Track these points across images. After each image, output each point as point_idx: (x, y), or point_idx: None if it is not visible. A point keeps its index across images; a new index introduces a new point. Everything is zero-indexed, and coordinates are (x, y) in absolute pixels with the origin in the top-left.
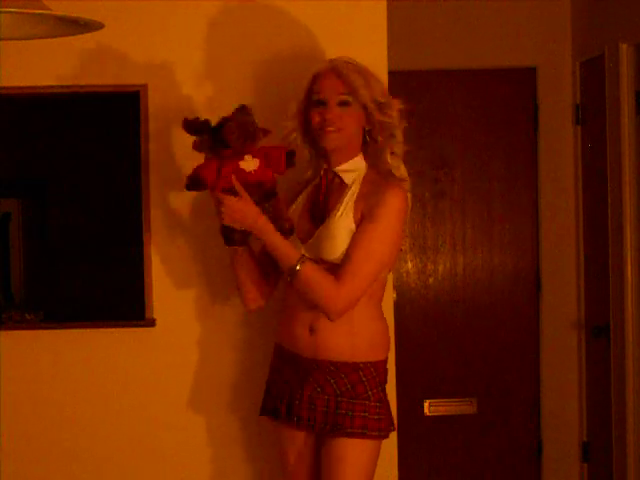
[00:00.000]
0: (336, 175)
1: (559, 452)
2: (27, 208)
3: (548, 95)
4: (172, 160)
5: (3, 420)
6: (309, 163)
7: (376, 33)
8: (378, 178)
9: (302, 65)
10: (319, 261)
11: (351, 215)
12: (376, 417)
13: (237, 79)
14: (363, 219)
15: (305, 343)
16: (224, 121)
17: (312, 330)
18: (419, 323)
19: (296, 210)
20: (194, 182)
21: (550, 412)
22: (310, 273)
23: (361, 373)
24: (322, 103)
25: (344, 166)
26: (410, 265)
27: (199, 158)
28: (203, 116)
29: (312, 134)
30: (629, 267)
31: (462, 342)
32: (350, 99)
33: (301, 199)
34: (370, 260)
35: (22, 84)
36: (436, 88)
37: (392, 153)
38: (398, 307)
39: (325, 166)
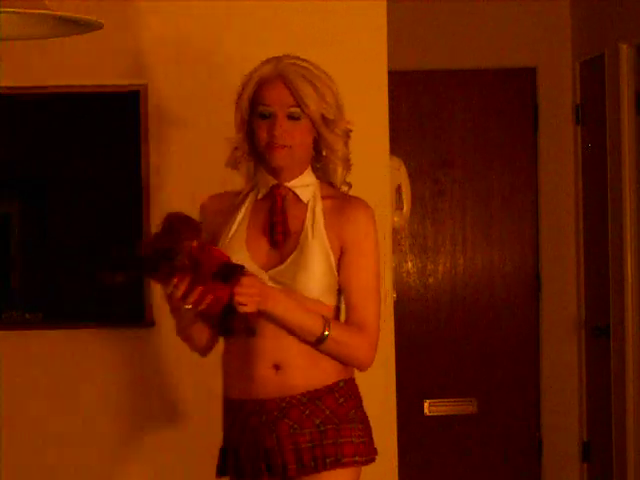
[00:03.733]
0: (289, 191)
1: (559, 452)
2: (27, 208)
3: (548, 95)
4: (172, 160)
5: (3, 420)
6: (248, 177)
7: (376, 33)
8: (336, 193)
9: None
10: (288, 291)
11: (326, 242)
12: (362, 440)
13: (237, 78)
14: (346, 253)
15: (270, 384)
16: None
17: (278, 368)
18: (419, 323)
19: (239, 232)
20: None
21: (550, 412)
22: (339, 336)
23: (336, 395)
24: (269, 116)
25: (297, 181)
26: (410, 265)
27: (199, 159)
28: (204, 117)
29: (257, 148)
30: (629, 267)
31: (462, 342)
32: (300, 112)
33: (241, 218)
34: (376, 297)
35: (22, 84)
36: (436, 88)
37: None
38: (398, 307)
39: (274, 182)
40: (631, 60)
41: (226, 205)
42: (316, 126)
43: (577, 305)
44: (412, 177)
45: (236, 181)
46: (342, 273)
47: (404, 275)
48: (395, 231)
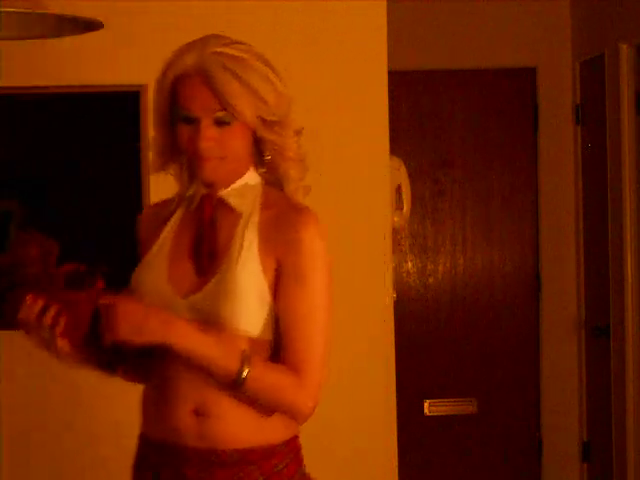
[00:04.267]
0: (222, 201)
1: (559, 452)
2: (27, 208)
3: (548, 95)
4: None
5: (3, 420)
6: (179, 178)
7: (376, 33)
8: (283, 201)
9: (304, 63)
10: (209, 324)
11: (257, 263)
12: None
13: None
14: (283, 277)
15: (192, 433)
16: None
17: (199, 414)
18: (419, 323)
19: (162, 250)
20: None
21: (550, 412)
22: (262, 375)
23: (275, 460)
24: (192, 121)
25: (233, 188)
26: (410, 265)
27: None
28: None
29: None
30: (629, 267)
31: (462, 342)
32: (229, 116)
33: (168, 232)
34: (319, 333)
35: (22, 84)
36: (436, 88)
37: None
38: (398, 307)
39: (205, 190)
40: (631, 60)
41: (160, 216)
42: (254, 129)
43: (577, 305)
44: (412, 177)
45: None
46: (278, 302)
47: (404, 275)
48: (395, 231)
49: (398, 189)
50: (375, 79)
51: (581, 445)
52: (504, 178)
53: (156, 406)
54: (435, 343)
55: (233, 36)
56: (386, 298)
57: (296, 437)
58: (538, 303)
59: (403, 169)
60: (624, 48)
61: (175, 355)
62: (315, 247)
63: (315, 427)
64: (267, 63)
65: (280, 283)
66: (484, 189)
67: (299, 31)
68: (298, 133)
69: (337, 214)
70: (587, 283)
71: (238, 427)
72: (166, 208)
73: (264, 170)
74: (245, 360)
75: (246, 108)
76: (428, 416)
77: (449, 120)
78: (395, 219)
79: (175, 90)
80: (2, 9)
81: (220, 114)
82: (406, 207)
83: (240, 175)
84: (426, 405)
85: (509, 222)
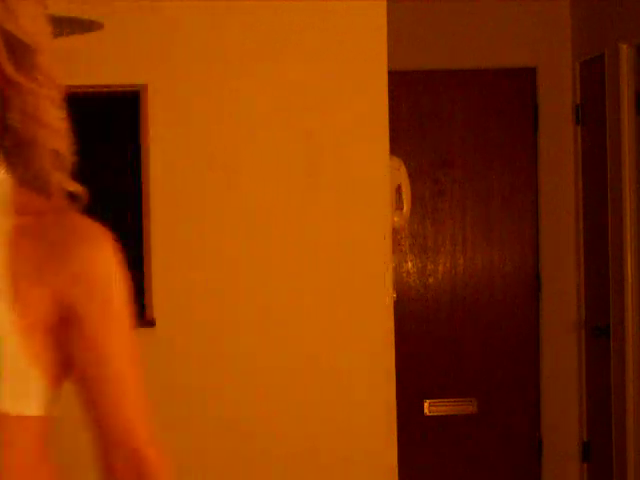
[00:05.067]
0: None
1: (559, 452)
2: None
3: (548, 95)
4: (172, 160)
5: None
6: None
7: (376, 33)
8: (40, 204)
9: (304, 63)
10: None
11: (9, 294)
12: None
13: (237, 78)
14: (81, 319)
15: None
16: None
17: None
18: (419, 323)
19: None
20: None
21: (550, 412)
22: None
23: None
24: None
25: None
26: (410, 265)
27: (199, 158)
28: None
29: None
30: (629, 267)
31: (462, 342)
32: None
33: None
34: (141, 387)
35: None
36: (436, 88)
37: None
38: (398, 307)
39: None
40: (631, 60)
41: None
42: None
43: (577, 305)
44: (412, 177)
45: (241, 181)
46: (82, 358)
47: (404, 275)
48: (395, 231)
49: (398, 189)
50: (375, 79)
51: (581, 445)
52: (504, 178)
53: None
54: (435, 343)
55: (233, 35)
56: (386, 298)
57: None
58: (538, 303)
59: (403, 169)
60: (624, 48)
61: None
62: (117, 271)
63: (315, 427)
64: None
65: (79, 329)
66: (484, 189)
67: (299, 31)
68: (63, 94)
69: (337, 214)
70: (587, 283)
71: None
72: None
73: (11, 165)
74: None
75: None
76: (428, 416)
77: (449, 120)
78: (395, 219)
79: None
80: None
81: None
82: (406, 207)
83: None
84: (426, 405)
85: (509, 222)
